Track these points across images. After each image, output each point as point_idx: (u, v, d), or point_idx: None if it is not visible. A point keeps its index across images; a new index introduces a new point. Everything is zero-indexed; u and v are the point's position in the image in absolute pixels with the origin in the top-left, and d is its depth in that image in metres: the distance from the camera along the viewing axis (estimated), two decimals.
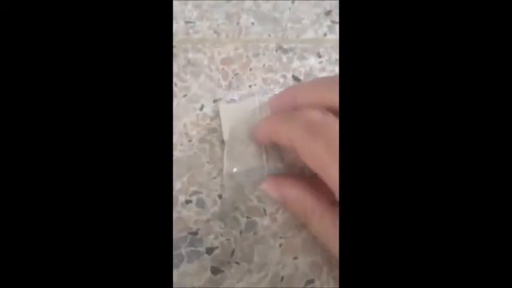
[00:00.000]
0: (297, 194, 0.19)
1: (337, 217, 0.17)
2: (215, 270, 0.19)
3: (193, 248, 0.20)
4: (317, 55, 0.26)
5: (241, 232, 0.20)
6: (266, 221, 0.21)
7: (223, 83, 0.24)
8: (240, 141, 0.21)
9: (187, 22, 0.27)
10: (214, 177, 0.21)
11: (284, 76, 0.25)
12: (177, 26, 0.26)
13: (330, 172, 0.15)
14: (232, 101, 0.23)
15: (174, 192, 0.21)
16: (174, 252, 0.20)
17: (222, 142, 0.22)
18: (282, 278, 0.19)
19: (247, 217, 0.21)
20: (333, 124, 0.16)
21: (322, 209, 0.18)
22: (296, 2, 0.28)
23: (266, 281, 0.19)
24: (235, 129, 0.21)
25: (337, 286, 0.19)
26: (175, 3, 0.27)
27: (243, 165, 0.20)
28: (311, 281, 0.19)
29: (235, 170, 0.20)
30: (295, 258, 0.20)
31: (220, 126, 0.23)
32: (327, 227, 0.17)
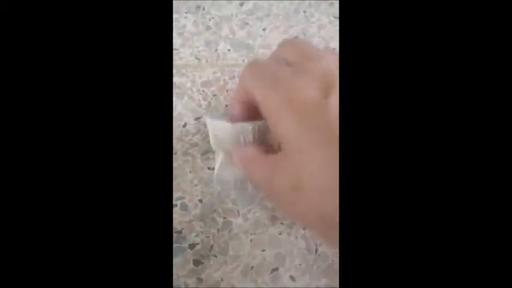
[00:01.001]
0: (245, 155, 0.22)
1: (271, 163, 0.20)
2: (196, 262, 0.23)
3: (178, 244, 0.23)
4: None
5: (218, 230, 0.24)
6: (239, 220, 0.24)
7: (203, 103, 0.28)
8: (225, 152, 0.24)
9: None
10: (196, 185, 0.25)
11: None
12: None
13: (279, 124, 0.19)
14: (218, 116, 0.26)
15: None
16: None
17: (203, 155, 0.26)
18: (252, 267, 0.23)
19: (224, 218, 0.24)
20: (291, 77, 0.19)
21: (254, 154, 0.21)
22: (267, 30, 0.31)
23: (239, 270, 0.23)
24: (221, 141, 0.24)
25: (298, 273, 0.23)
26: None
27: (230, 174, 0.24)
28: (276, 269, 0.23)
29: (223, 177, 0.24)
30: (263, 250, 0.23)
31: (200, 140, 0.26)
32: (258, 171, 0.20)
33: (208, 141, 0.26)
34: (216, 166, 0.24)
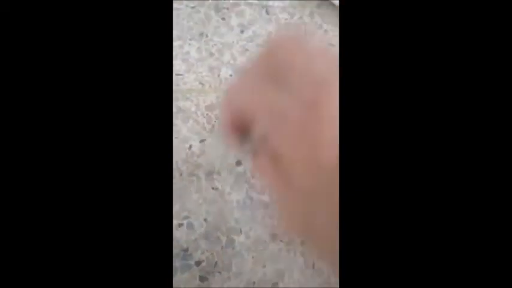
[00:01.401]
0: None
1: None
2: (202, 278, 0.24)
3: (185, 262, 0.24)
4: None
5: (222, 248, 0.25)
6: (242, 238, 0.25)
7: (207, 126, 0.29)
8: None
9: (177, 75, 0.31)
10: (201, 204, 0.26)
11: None
12: None
13: None
14: None
15: None
16: None
17: (207, 175, 0.27)
18: (254, 282, 0.24)
19: (227, 236, 0.26)
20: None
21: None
22: None
23: (242, 286, 0.24)
24: None
25: (296, 287, 0.24)
26: None
27: None
28: (276, 284, 0.24)
29: None
30: (264, 266, 0.25)
31: (205, 161, 0.28)
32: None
33: (212, 163, 0.28)
34: None
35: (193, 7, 0.34)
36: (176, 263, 0.24)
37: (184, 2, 0.34)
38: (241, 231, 0.26)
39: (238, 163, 0.28)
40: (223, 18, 0.34)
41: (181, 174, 0.27)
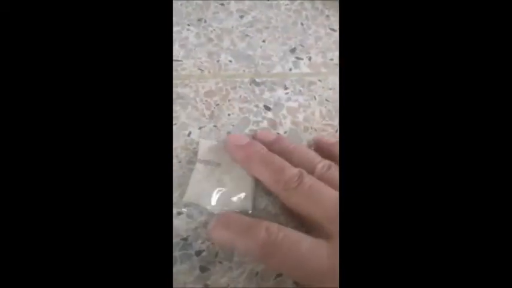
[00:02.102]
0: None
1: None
2: (203, 269, 0.22)
3: (185, 251, 0.23)
4: (284, 87, 0.29)
5: None
6: None
7: (207, 113, 0.28)
8: (203, 177, 0.24)
9: (175, 60, 0.30)
10: None
11: (257, 106, 0.28)
12: None
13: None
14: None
15: None
16: None
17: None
18: (257, 273, 0.23)
19: None
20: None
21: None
22: (266, 41, 0.31)
23: (244, 276, 0.22)
24: (204, 164, 0.25)
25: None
26: None
27: (197, 200, 0.24)
28: (279, 275, 0.23)
29: (188, 200, 0.24)
30: None
31: None
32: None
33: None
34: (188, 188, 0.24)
35: None
36: (176, 252, 0.23)
37: None
38: None
39: None
40: (222, 4, 0.33)
41: (180, 162, 0.25)
